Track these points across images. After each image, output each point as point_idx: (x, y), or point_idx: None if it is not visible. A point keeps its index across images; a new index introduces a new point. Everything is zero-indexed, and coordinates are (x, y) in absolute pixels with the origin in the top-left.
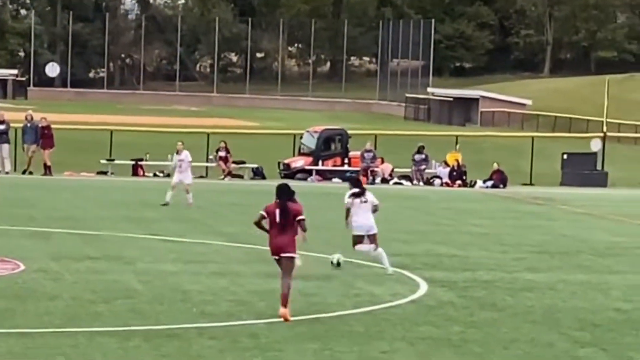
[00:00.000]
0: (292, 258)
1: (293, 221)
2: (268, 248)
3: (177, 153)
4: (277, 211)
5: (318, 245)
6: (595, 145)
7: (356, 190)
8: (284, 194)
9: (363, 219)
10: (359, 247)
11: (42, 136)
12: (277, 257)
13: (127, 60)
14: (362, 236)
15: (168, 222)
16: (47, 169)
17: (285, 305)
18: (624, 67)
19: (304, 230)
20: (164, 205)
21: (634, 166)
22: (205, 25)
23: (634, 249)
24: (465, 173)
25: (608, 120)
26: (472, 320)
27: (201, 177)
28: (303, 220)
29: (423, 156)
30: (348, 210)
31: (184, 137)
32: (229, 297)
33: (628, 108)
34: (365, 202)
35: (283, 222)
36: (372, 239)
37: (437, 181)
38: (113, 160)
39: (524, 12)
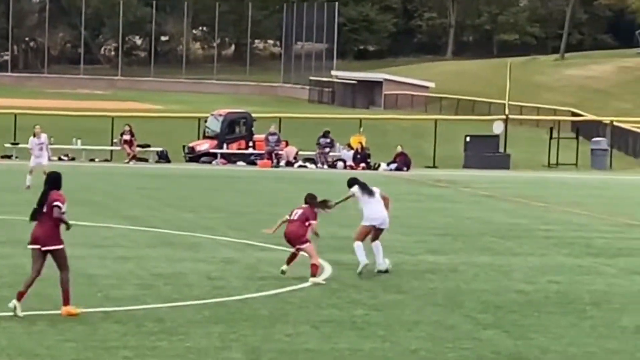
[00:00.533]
0: (56, 250)
1: (51, 210)
2: (171, 231)
3: (35, 136)
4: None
5: (221, 228)
6: (498, 128)
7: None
8: (48, 183)
9: (378, 210)
10: (358, 246)
11: None
12: (33, 247)
13: (32, 44)
14: (371, 228)
15: (73, 206)
16: None
17: (67, 302)
18: (525, 50)
19: (60, 219)
20: (27, 188)
21: (536, 148)
22: (110, 9)
23: (536, 230)
24: (369, 156)
25: (510, 102)
26: (376, 303)
27: (106, 160)
28: (57, 207)
29: (328, 140)
30: (347, 198)
31: (89, 120)
32: (134, 281)
33: (530, 90)
34: (373, 195)
35: (41, 210)
36: (379, 233)
37: (340, 164)
38: (17, 144)
39: None
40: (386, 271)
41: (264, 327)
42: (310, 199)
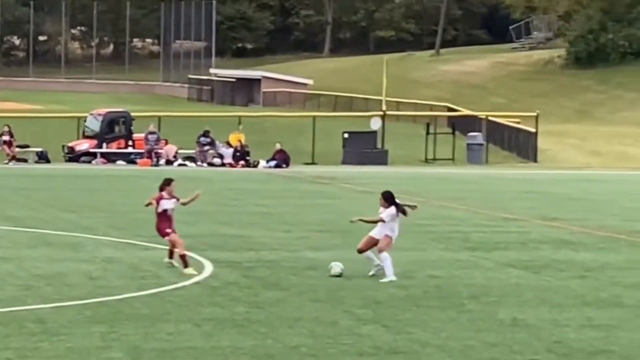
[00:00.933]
0: None
1: None
2: (51, 232)
3: None
4: None
5: (102, 227)
6: (375, 124)
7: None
8: None
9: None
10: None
11: None
12: None
13: None
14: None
15: None
16: None
17: None
18: (401, 46)
19: None
20: None
21: (413, 144)
22: None
23: (414, 225)
24: (248, 153)
25: (387, 99)
26: (257, 300)
27: None
28: None
29: (209, 139)
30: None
31: None
32: (15, 281)
33: (406, 86)
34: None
35: None
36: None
37: (217, 160)
38: None
39: None
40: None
41: (145, 326)
42: (164, 183)
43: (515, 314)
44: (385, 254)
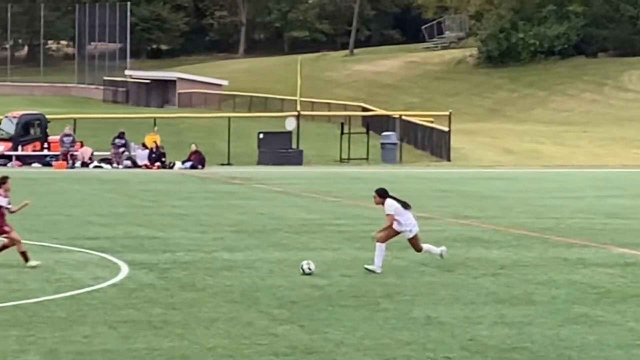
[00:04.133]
0: None
1: None
2: None
3: None
4: None
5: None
6: (290, 124)
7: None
8: None
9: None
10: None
11: None
12: None
13: None
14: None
15: None
16: None
17: None
18: (315, 47)
19: None
20: None
21: (327, 144)
22: None
23: (328, 225)
24: (164, 154)
25: (302, 99)
26: (173, 302)
27: None
28: None
29: (123, 141)
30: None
31: None
32: None
33: (321, 86)
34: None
35: None
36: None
37: (128, 162)
38: None
39: None
40: (369, 270)
41: (62, 329)
42: None
43: (428, 312)
44: (381, 245)
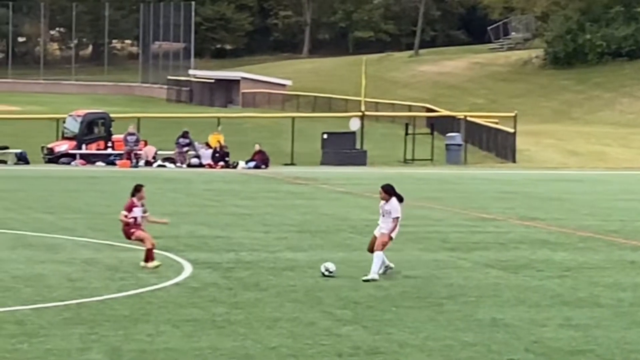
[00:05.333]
0: None
1: None
2: (30, 233)
3: None
4: None
5: (82, 229)
6: (354, 125)
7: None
8: None
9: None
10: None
11: None
12: None
13: None
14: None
15: None
16: None
17: None
18: (380, 47)
19: None
20: None
21: (392, 144)
22: None
23: None
24: (227, 154)
25: (366, 99)
26: (236, 301)
27: None
28: None
29: (187, 140)
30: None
31: None
32: None
33: (385, 87)
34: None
35: None
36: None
37: (195, 160)
38: None
39: None
40: (368, 280)
41: (125, 328)
42: (135, 189)
43: (493, 314)
44: (379, 253)
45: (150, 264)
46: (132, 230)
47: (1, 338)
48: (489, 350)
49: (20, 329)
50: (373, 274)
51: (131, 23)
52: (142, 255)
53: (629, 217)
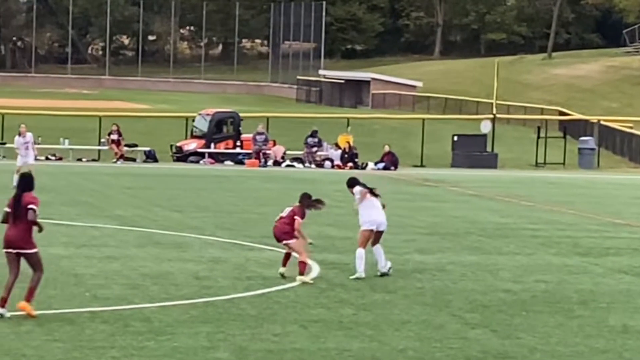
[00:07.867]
0: (31, 254)
1: (25, 213)
2: (158, 231)
3: (20, 135)
4: (12, 202)
5: (209, 227)
6: (485, 127)
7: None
8: (21, 185)
9: (378, 212)
10: (361, 255)
11: None
12: (8, 251)
13: (19, 44)
14: (371, 232)
15: (60, 206)
16: None
17: (28, 299)
18: (513, 49)
19: (34, 221)
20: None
21: (523, 147)
22: (97, 8)
23: (522, 230)
24: (356, 155)
25: (497, 102)
26: (364, 303)
27: (93, 160)
28: (32, 210)
29: (316, 140)
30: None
31: (76, 120)
32: (122, 280)
33: (517, 89)
34: (378, 196)
35: (14, 213)
36: (379, 236)
37: (328, 163)
38: (5, 143)
39: None
40: (387, 274)
41: (252, 327)
42: (302, 198)
43: (626, 321)
44: (361, 250)
45: (303, 278)
46: (291, 234)
47: (128, 335)
48: (621, 357)
49: (147, 327)
50: (359, 272)
51: (261, 22)
52: (270, 255)
53: None
